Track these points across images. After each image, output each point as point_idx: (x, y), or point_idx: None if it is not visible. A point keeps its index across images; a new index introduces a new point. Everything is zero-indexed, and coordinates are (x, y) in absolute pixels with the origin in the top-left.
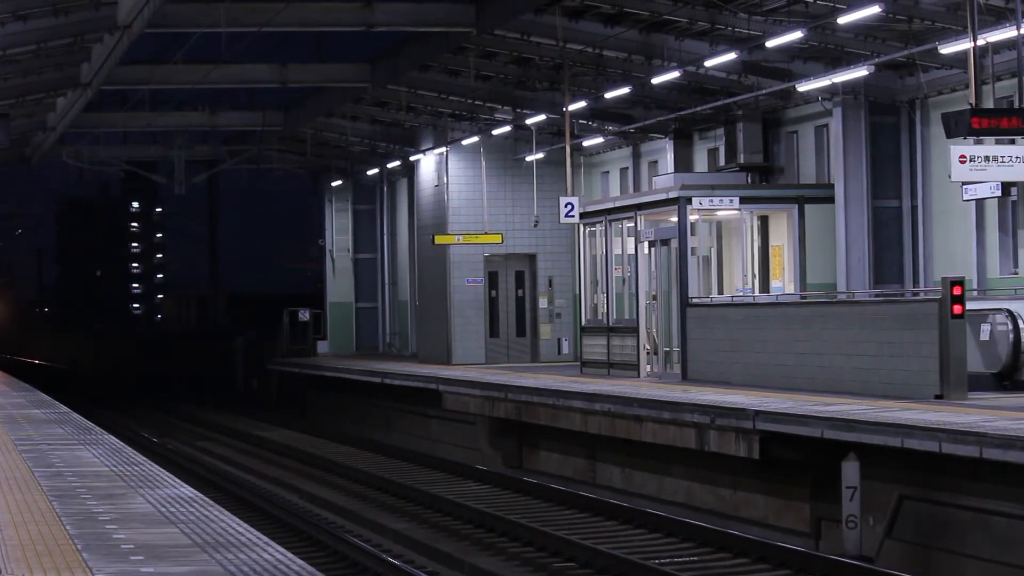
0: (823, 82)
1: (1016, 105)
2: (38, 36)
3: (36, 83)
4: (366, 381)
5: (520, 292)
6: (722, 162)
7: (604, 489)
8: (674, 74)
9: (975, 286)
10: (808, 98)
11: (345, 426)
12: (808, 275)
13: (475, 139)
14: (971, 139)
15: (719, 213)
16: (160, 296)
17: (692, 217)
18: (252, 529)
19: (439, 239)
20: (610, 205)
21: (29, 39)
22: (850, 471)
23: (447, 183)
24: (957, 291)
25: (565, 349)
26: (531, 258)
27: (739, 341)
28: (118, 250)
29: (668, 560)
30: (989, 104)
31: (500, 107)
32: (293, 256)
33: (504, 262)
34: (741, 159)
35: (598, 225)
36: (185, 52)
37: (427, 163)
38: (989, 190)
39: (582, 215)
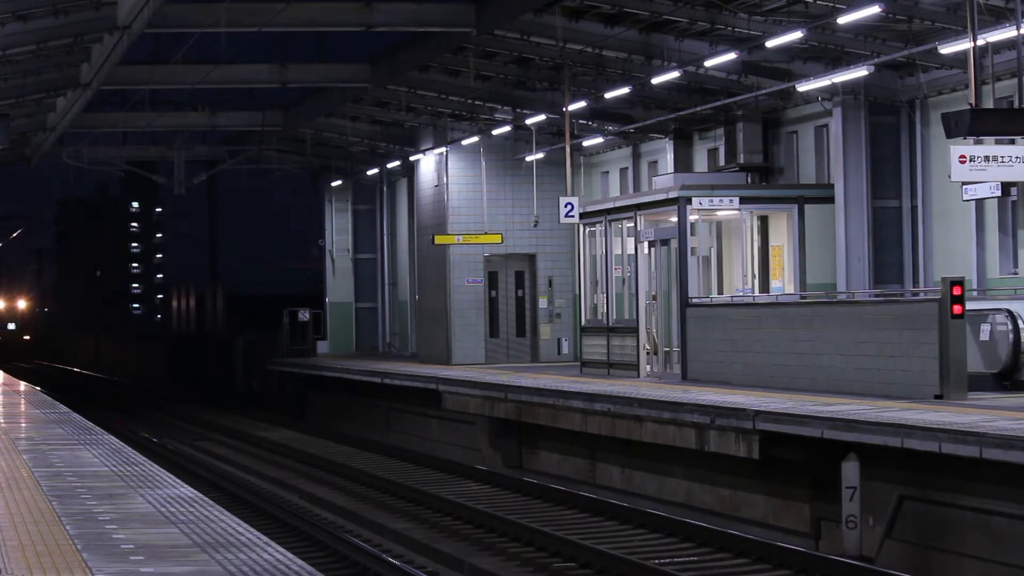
0: (823, 82)
1: (1016, 105)
2: (38, 36)
3: (36, 83)
4: (366, 381)
5: (520, 292)
6: (722, 162)
7: (604, 489)
8: (674, 74)
9: (975, 286)
10: (808, 98)
11: (345, 426)
12: (808, 275)
13: (475, 139)
14: (971, 139)
15: (719, 213)
16: (159, 296)
17: (692, 217)
18: (252, 529)
19: (439, 239)
20: (610, 205)
21: (29, 39)
22: (850, 471)
23: (447, 183)
24: (957, 291)
25: (565, 349)
26: (531, 258)
27: (739, 341)
28: (119, 250)
29: (668, 560)
30: (989, 104)
31: (500, 107)
32: (293, 256)
33: (504, 262)
34: (741, 159)
35: (598, 225)
36: (185, 52)
37: (427, 163)
38: (989, 190)
39: (582, 215)
